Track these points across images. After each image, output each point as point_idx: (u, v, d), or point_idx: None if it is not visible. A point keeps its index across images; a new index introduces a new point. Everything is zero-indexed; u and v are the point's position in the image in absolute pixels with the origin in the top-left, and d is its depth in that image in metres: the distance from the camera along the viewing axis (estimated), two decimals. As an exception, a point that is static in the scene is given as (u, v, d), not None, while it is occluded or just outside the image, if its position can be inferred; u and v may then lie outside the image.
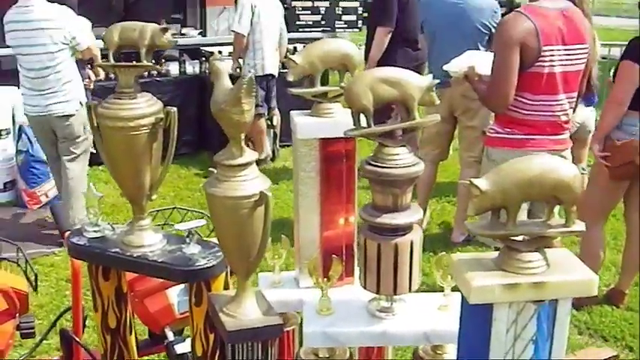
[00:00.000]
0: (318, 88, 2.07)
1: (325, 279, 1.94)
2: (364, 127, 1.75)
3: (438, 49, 4.84)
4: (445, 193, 6.05)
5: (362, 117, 1.75)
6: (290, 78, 2.02)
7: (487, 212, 1.45)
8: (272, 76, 6.45)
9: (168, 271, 2.02)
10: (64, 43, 4.65)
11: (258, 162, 6.11)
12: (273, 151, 7.13)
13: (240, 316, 1.73)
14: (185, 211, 2.92)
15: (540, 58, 3.26)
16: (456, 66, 3.76)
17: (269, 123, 6.90)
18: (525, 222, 1.51)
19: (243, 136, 1.68)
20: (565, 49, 3.28)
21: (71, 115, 4.75)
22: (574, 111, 3.53)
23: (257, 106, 6.23)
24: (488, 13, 4.75)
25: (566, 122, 3.44)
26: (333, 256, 1.93)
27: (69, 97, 4.76)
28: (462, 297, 1.50)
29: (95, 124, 1.99)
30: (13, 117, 5.95)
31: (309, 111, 2.13)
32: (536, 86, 3.32)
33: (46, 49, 4.61)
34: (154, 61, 2.00)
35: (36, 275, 3.00)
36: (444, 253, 2.07)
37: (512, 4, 6.88)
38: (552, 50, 3.26)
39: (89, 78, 5.52)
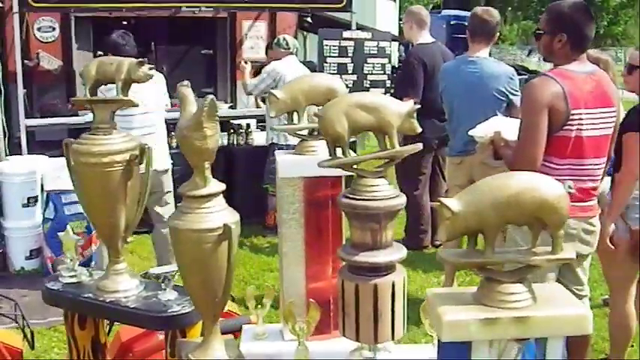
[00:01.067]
0: (301, 125, 1.96)
1: (303, 327, 1.77)
2: (339, 158, 1.63)
3: (457, 117, 4.79)
4: (476, 266, 5.79)
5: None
6: (271, 114, 1.93)
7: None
8: (297, 144, 6.41)
9: (141, 317, 1.89)
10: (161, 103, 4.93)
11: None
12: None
13: (207, 364, 1.58)
14: None
15: (568, 122, 3.13)
16: (482, 131, 3.66)
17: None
18: (507, 250, 1.34)
19: (208, 164, 1.58)
20: (594, 113, 3.16)
21: (168, 169, 4.95)
22: (602, 177, 3.36)
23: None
24: (504, 79, 4.70)
25: (594, 189, 3.27)
26: (310, 300, 1.77)
27: (166, 151, 5.01)
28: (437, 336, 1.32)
29: (71, 163, 1.92)
30: (41, 185, 6.02)
31: (293, 150, 2.02)
32: (564, 150, 3.17)
33: (146, 109, 4.77)
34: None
35: (32, 333, 2.90)
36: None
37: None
38: (581, 114, 3.14)
39: None
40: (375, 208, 1.59)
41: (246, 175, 6.37)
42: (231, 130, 6.90)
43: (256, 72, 7.80)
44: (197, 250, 1.56)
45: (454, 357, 1.28)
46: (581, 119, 3.12)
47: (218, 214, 1.58)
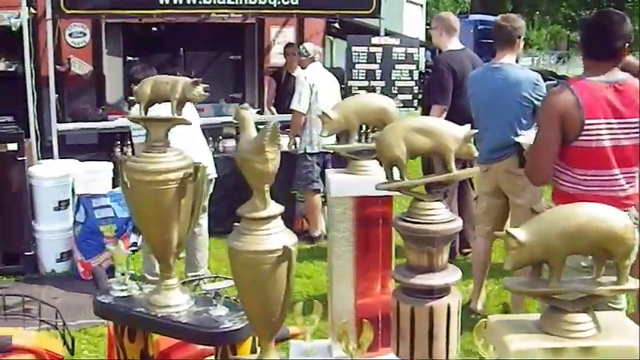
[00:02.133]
0: (354, 145, 1.98)
1: (356, 346, 1.79)
2: (397, 181, 1.65)
3: (483, 123, 4.78)
4: (504, 274, 5.76)
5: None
6: (324, 134, 1.95)
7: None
8: (329, 152, 6.42)
9: (192, 332, 1.92)
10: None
11: (313, 239, 5.96)
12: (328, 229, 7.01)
13: (261, 382, 1.60)
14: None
15: (585, 131, 3.14)
16: (527, 138, 3.71)
17: (324, 200, 6.82)
18: (571, 279, 1.34)
19: (267, 187, 1.60)
20: (616, 123, 3.15)
21: (213, 179, 5.02)
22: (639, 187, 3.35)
23: (313, 182, 6.18)
24: (527, 85, 4.67)
25: (627, 197, 3.26)
26: (364, 320, 1.79)
27: (211, 159, 5.12)
28: (501, 364, 1.33)
29: (125, 179, 1.96)
30: (72, 189, 6.10)
31: (345, 169, 2.05)
32: (588, 161, 3.19)
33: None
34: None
35: (73, 339, 2.94)
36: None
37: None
38: (600, 124, 3.14)
39: None
40: (432, 231, 1.61)
41: (274, 180, 6.39)
42: (259, 136, 6.94)
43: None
44: (256, 271, 1.59)
45: (519, 385, 1.29)
46: (599, 129, 3.12)
47: (277, 235, 1.60)
